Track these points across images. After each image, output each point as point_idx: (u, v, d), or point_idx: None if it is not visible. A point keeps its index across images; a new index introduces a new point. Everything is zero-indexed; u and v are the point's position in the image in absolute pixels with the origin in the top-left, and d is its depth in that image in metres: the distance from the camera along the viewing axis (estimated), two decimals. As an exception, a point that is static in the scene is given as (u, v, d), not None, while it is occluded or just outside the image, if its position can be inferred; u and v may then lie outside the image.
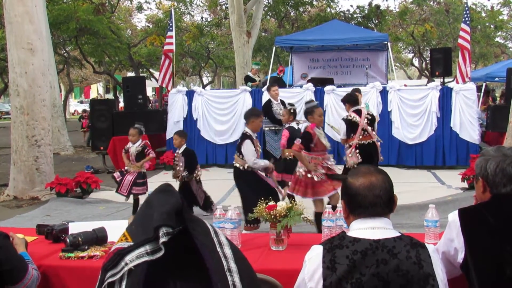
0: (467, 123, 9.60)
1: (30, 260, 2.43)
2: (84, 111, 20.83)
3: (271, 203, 2.91)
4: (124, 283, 1.55)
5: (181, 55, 22.68)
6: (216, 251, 1.64)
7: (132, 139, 6.36)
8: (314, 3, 22.28)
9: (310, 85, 10.58)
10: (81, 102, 42.13)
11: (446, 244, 2.03)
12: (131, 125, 6.68)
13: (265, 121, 7.34)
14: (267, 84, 9.84)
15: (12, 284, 2.28)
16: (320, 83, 10.90)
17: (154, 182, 7.10)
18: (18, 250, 2.45)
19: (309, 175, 5.19)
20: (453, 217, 2.01)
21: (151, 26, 22.14)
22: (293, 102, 8.33)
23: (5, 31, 8.86)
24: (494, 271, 1.85)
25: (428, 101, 9.76)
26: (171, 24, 11.94)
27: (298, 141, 5.27)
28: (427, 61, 22.88)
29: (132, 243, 1.60)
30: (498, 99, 19.07)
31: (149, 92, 27.60)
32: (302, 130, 7.13)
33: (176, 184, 6.01)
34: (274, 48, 14.16)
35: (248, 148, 5.12)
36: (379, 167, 2.22)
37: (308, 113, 5.45)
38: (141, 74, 21.65)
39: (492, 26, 23.73)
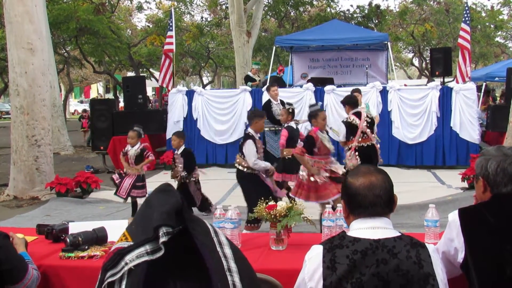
0: (467, 123, 9.60)
1: (30, 260, 2.43)
2: (84, 111, 20.81)
3: (271, 203, 2.92)
4: (124, 282, 1.55)
5: (181, 55, 22.68)
6: (216, 251, 1.64)
7: (131, 142, 6.34)
8: (314, 3, 22.28)
9: (310, 85, 10.58)
10: (81, 102, 42.12)
11: (446, 244, 2.03)
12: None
13: (265, 121, 7.34)
14: (267, 84, 9.83)
15: (12, 284, 2.28)
16: (320, 83, 10.90)
17: (154, 182, 7.10)
18: (18, 250, 2.45)
19: (312, 179, 5.20)
20: (453, 217, 2.01)
21: (151, 26, 22.14)
22: (293, 102, 8.34)
23: (5, 31, 8.87)
24: (494, 271, 1.85)
25: (428, 101, 9.76)
26: (171, 24, 11.94)
27: (300, 145, 5.28)
28: (427, 61, 22.88)
29: (132, 243, 1.60)
30: (498, 99, 19.07)
31: (149, 92, 27.59)
32: (300, 130, 7.15)
33: (175, 185, 6.01)
34: (274, 48, 14.17)
35: (249, 148, 5.13)
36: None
37: (311, 116, 5.47)
38: (141, 74, 21.64)
39: (492, 26, 23.73)
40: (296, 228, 3.16)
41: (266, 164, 5.30)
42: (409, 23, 23.93)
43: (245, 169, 5.23)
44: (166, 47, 11.83)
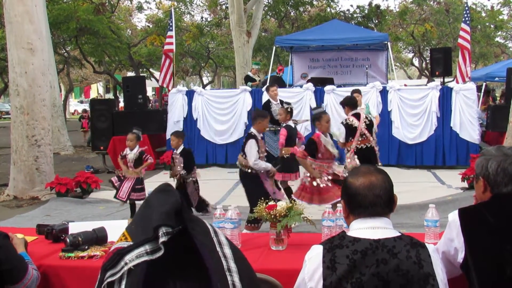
0: (467, 123, 9.60)
1: (30, 261, 2.43)
2: (84, 111, 20.80)
3: (271, 202, 2.92)
4: (123, 282, 1.55)
5: (181, 55, 22.68)
6: (216, 251, 1.64)
7: (130, 144, 6.32)
8: (314, 3, 22.28)
9: (310, 85, 10.57)
10: (81, 102, 42.11)
11: (446, 244, 2.03)
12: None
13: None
14: (267, 84, 9.83)
15: (12, 284, 2.28)
16: (320, 83, 10.89)
17: (154, 182, 7.10)
18: (17, 250, 2.45)
19: (314, 182, 5.22)
20: (453, 217, 2.01)
21: (151, 26, 22.15)
22: (293, 102, 8.34)
23: (5, 31, 8.86)
24: (494, 271, 1.85)
25: (428, 101, 9.76)
26: (171, 24, 11.94)
27: (302, 148, 5.29)
28: (427, 61, 22.89)
29: (131, 243, 1.60)
30: (498, 99, 19.07)
31: (149, 92, 27.60)
32: (300, 130, 7.17)
33: (174, 184, 6.01)
34: (274, 48, 14.17)
35: (251, 147, 5.14)
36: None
37: (315, 119, 5.47)
38: (141, 74, 21.65)
39: (492, 26, 23.74)
40: (296, 228, 3.16)
41: (267, 165, 5.30)
42: (409, 23, 23.93)
43: (247, 169, 5.24)
44: (166, 47, 11.83)
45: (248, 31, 15.74)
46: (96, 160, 12.07)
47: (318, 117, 5.43)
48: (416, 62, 31.02)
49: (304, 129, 9.87)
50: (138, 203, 6.12)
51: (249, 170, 5.23)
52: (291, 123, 6.70)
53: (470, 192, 6.84)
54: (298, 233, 3.16)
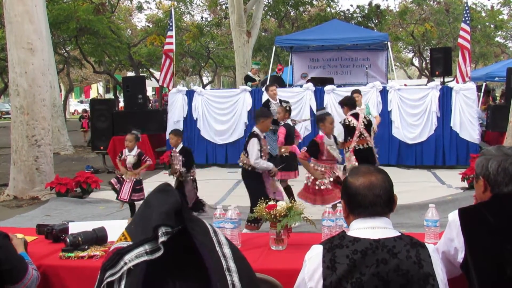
0: (467, 122, 9.60)
1: (30, 261, 2.43)
2: (84, 111, 20.77)
3: (271, 202, 2.92)
4: (123, 282, 1.55)
5: (181, 55, 22.68)
6: (215, 251, 1.64)
7: (129, 145, 6.33)
8: (314, 2, 22.28)
9: (310, 84, 10.57)
10: (81, 102, 42.09)
11: (446, 243, 2.03)
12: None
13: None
14: (267, 83, 9.83)
15: (11, 284, 2.28)
16: (320, 83, 10.90)
17: (154, 181, 7.10)
18: (17, 250, 2.45)
19: (317, 183, 5.23)
20: (453, 216, 2.01)
21: (151, 26, 22.15)
22: (293, 102, 8.34)
23: (5, 31, 8.86)
24: (494, 270, 1.85)
25: (428, 101, 9.76)
26: (171, 24, 11.94)
27: (304, 149, 5.30)
28: (427, 61, 22.87)
29: (131, 243, 1.60)
30: (498, 98, 19.07)
31: (149, 92, 27.58)
32: (299, 130, 7.17)
33: (173, 183, 6.01)
34: (274, 48, 14.17)
35: (253, 146, 5.14)
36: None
37: (319, 120, 5.48)
38: (141, 74, 21.64)
39: (492, 26, 23.74)
40: (296, 228, 3.16)
41: (268, 165, 5.30)
42: (409, 23, 23.93)
43: (249, 168, 5.24)
44: (166, 47, 11.83)
45: (248, 31, 15.74)
46: (96, 160, 12.07)
47: (322, 119, 5.43)
48: (416, 62, 31.03)
49: (304, 129, 9.87)
50: (138, 203, 6.12)
51: (251, 169, 5.23)
52: (289, 121, 6.71)
53: (470, 192, 6.84)
54: (298, 233, 3.16)
